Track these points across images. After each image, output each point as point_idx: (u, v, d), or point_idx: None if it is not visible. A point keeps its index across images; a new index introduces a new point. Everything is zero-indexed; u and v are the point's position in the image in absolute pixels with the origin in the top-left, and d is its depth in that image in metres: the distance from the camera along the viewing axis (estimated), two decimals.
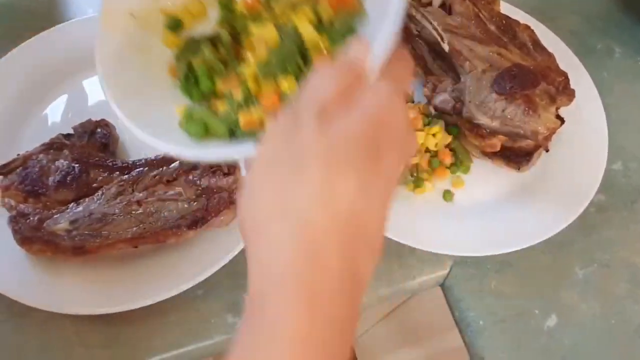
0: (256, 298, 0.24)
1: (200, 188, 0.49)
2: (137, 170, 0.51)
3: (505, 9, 0.61)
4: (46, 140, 0.52)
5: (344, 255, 0.24)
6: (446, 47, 0.52)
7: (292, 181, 0.24)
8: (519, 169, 0.52)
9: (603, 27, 0.68)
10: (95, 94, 0.58)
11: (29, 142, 0.52)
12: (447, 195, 0.53)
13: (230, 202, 0.48)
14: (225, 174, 0.50)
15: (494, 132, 0.50)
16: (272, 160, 0.25)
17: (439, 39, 0.53)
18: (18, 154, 0.50)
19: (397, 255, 0.52)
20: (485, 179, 0.55)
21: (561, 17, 0.68)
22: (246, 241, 0.26)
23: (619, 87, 0.63)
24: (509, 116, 0.48)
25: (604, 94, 0.60)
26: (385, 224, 0.26)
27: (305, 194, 0.23)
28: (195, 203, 0.48)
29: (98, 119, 0.53)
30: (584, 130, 0.57)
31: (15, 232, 0.47)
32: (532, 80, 0.49)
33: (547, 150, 0.54)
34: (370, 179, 0.24)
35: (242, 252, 0.48)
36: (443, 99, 0.51)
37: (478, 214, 0.53)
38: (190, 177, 0.50)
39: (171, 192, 0.49)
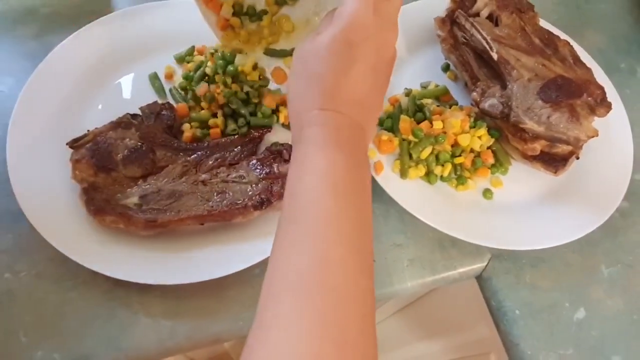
0: (296, 129, 0.37)
1: (263, 173, 0.52)
2: (200, 152, 0.54)
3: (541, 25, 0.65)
4: (113, 118, 0.54)
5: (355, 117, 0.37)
6: (495, 56, 0.56)
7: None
8: (555, 172, 0.56)
9: (627, 47, 0.73)
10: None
11: (96, 119, 0.54)
12: (487, 193, 0.57)
13: None
14: (286, 161, 0.53)
15: (537, 137, 0.54)
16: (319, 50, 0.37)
17: (488, 47, 0.57)
18: (88, 130, 0.52)
19: (440, 247, 0.55)
20: (521, 181, 0.59)
21: (588, 36, 0.73)
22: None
23: None
24: (553, 122, 0.53)
25: (627, 109, 0.65)
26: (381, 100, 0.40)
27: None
28: (259, 186, 0.51)
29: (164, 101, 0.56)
30: (611, 142, 0.61)
31: (87, 203, 0.49)
32: (576, 91, 0.53)
33: (577, 158, 0.59)
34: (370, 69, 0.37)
35: None
36: (492, 103, 0.54)
37: (514, 213, 0.57)
38: (253, 161, 0.53)
39: (234, 175, 0.52)
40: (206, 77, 0.58)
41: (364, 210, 0.34)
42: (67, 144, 0.51)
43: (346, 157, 0.35)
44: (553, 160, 0.56)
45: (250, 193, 0.50)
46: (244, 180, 0.52)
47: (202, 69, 0.58)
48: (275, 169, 0.52)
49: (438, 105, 0.59)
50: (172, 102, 0.58)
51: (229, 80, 0.56)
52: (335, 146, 0.35)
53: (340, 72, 0.36)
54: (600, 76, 0.64)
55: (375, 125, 0.41)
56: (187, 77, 0.59)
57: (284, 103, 0.58)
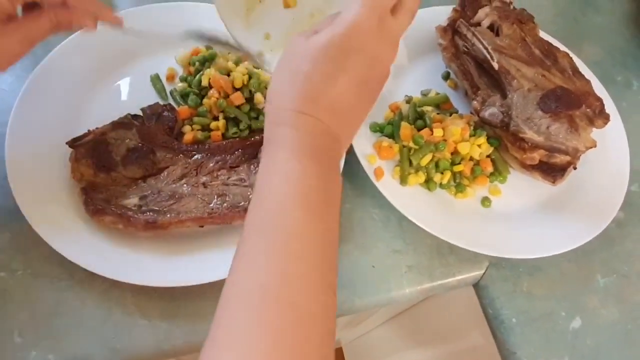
0: (272, 125, 0.35)
1: None
2: (200, 154, 0.53)
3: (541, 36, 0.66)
4: (113, 118, 0.54)
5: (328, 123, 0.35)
6: (496, 65, 0.57)
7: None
8: (554, 182, 0.56)
9: (623, 61, 0.74)
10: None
11: (96, 119, 0.54)
12: (486, 201, 0.58)
13: None
14: None
15: (536, 146, 0.54)
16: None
17: (489, 57, 0.58)
18: (88, 130, 0.52)
19: (439, 254, 0.55)
20: (519, 190, 0.59)
21: (586, 49, 0.74)
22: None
23: (637, 116, 0.69)
24: (553, 133, 0.53)
25: (623, 121, 0.65)
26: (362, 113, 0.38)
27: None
28: None
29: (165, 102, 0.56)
30: (608, 153, 0.62)
31: (86, 203, 0.48)
32: (575, 102, 0.54)
33: (575, 168, 0.59)
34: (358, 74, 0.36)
35: None
36: (492, 112, 0.55)
37: (512, 221, 0.57)
38: (252, 165, 0.53)
39: (234, 178, 0.52)
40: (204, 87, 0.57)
41: (331, 225, 0.33)
42: (67, 143, 0.51)
43: (320, 167, 0.33)
44: (551, 170, 0.57)
45: (250, 196, 0.50)
46: (244, 184, 0.52)
47: (200, 76, 0.57)
48: None
49: (438, 113, 0.60)
50: (173, 103, 0.58)
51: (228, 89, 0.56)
52: (310, 154, 0.33)
53: (328, 77, 0.35)
54: (597, 88, 0.65)
55: (351, 140, 0.39)
56: (184, 80, 0.59)
57: None
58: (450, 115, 0.59)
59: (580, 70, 0.61)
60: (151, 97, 0.58)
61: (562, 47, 0.65)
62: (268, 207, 0.32)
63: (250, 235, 0.32)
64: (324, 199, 0.33)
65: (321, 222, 0.32)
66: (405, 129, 0.57)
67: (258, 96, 0.57)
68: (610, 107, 0.65)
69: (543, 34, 0.67)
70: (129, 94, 0.58)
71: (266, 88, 0.58)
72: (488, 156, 0.58)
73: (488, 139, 0.58)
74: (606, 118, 0.55)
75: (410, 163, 0.56)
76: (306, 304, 0.29)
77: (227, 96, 0.56)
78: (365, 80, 0.36)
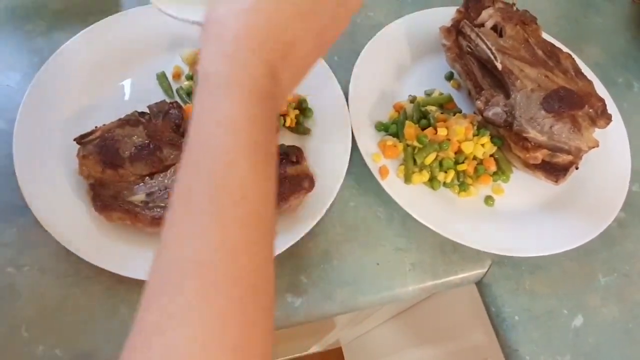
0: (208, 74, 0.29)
1: None
2: None
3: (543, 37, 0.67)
4: (120, 116, 0.54)
5: (267, 63, 0.30)
6: (499, 66, 0.57)
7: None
8: (556, 182, 0.57)
9: (624, 62, 0.75)
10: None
11: (104, 116, 0.54)
12: (489, 200, 0.58)
13: (297, 190, 0.52)
14: (293, 163, 0.53)
15: (539, 146, 0.55)
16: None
17: (492, 57, 0.58)
18: (95, 127, 0.53)
19: (442, 252, 0.56)
20: (522, 189, 0.60)
21: (587, 51, 0.74)
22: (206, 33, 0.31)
23: (638, 117, 0.69)
24: (556, 132, 0.54)
25: (625, 122, 0.66)
26: (312, 54, 0.33)
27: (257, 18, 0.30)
28: None
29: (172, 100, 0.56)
30: (609, 154, 0.63)
31: (94, 199, 0.49)
32: (578, 103, 0.54)
33: (577, 168, 0.60)
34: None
35: (303, 237, 0.51)
36: (495, 111, 0.55)
37: (515, 220, 0.58)
38: None
39: None
40: None
41: (273, 185, 0.29)
42: (74, 139, 0.51)
43: (265, 117, 0.29)
44: (554, 170, 0.57)
45: None
46: None
47: None
48: (282, 170, 0.52)
49: (442, 113, 0.60)
50: (179, 101, 0.58)
51: None
52: (256, 101, 0.28)
53: (289, 17, 0.30)
54: (599, 89, 0.66)
55: (291, 92, 0.34)
56: (190, 78, 0.60)
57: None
58: (454, 115, 0.60)
59: (582, 71, 0.62)
60: (158, 95, 0.59)
61: (565, 49, 0.66)
62: (208, 160, 0.27)
63: (183, 199, 0.27)
64: (269, 153, 0.29)
65: (267, 180, 0.28)
66: (410, 128, 0.57)
67: None
68: (611, 108, 0.65)
69: (546, 36, 0.68)
70: (136, 92, 0.59)
71: None
72: (491, 155, 0.59)
73: (491, 138, 0.59)
74: (608, 118, 0.56)
75: (415, 162, 0.56)
76: (253, 280, 0.25)
77: None
78: (322, 33, 0.32)
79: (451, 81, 0.66)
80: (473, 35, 0.60)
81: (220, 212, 0.26)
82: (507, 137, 0.57)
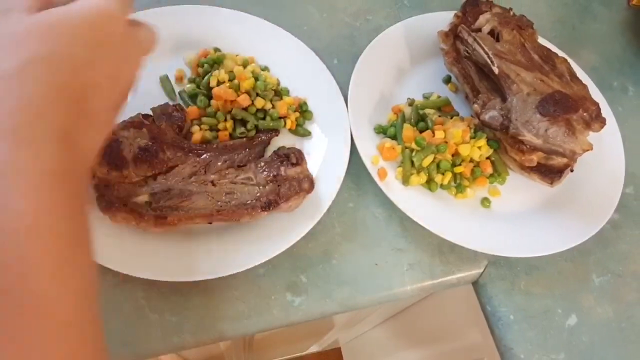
0: None
1: (270, 175, 0.53)
2: (209, 154, 0.55)
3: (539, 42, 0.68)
4: (124, 118, 0.55)
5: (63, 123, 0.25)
6: (496, 70, 0.58)
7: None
8: (551, 184, 0.58)
9: (619, 67, 0.76)
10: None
11: None
12: (486, 202, 0.59)
13: (298, 190, 0.53)
14: (293, 164, 0.54)
15: (535, 149, 0.56)
16: None
17: (489, 61, 0.59)
18: None
19: (439, 252, 0.57)
20: (518, 191, 0.61)
21: (583, 55, 0.76)
22: None
23: (632, 121, 0.71)
24: (551, 135, 0.55)
25: (619, 126, 0.67)
26: (110, 100, 0.28)
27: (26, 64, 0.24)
28: (267, 188, 0.53)
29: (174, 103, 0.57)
30: (604, 157, 0.64)
31: (99, 199, 0.50)
32: (572, 106, 0.55)
33: (571, 170, 0.61)
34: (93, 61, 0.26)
35: (303, 237, 0.52)
36: (492, 115, 0.57)
37: (511, 221, 0.59)
38: (260, 164, 0.54)
39: (242, 176, 0.54)
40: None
41: (88, 271, 0.25)
42: None
43: (69, 199, 0.24)
44: (549, 172, 0.58)
45: (257, 194, 0.52)
46: (251, 182, 0.53)
47: (208, 77, 0.59)
48: (282, 171, 0.53)
49: (440, 116, 0.61)
50: (182, 104, 0.60)
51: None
52: (54, 183, 0.24)
53: (78, 65, 0.26)
54: (594, 93, 0.67)
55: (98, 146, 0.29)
56: (193, 81, 0.61)
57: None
58: (452, 118, 0.61)
59: (578, 75, 0.63)
60: (160, 98, 0.60)
61: (561, 53, 0.67)
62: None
63: None
64: (79, 240, 0.25)
65: (77, 278, 0.24)
66: (408, 130, 0.58)
67: (259, 100, 0.58)
68: (606, 111, 0.67)
69: (542, 40, 0.69)
70: (139, 95, 0.59)
71: (273, 90, 0.60)
72: (488, 158, 0.60)
73: (488, 141, 0.60)
74: (602, 122, 0.57)
75: (413, 164, 0.58)
76: None
77: (232, 102, 0.58)
78: (116, 76, 0.28)
79: (449, 84, 0.67)
80: (470, 40, 0.62)
81: (24, 334, 0.22)
82: (503, 140, 0.59)
